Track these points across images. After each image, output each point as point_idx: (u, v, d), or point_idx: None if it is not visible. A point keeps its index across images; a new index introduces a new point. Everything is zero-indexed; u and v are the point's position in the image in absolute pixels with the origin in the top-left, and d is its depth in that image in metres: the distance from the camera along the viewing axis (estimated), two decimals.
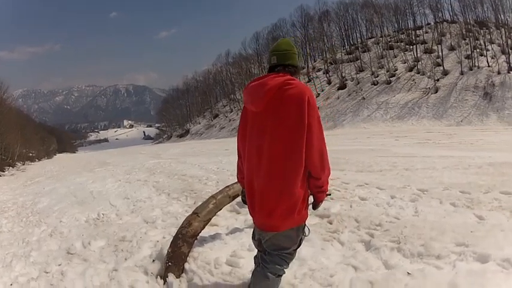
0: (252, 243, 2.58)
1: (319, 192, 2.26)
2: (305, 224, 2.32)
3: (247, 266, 3.11)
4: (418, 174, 6.84)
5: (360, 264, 3.06)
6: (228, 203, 3.96)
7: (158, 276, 3.23)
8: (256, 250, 2.56)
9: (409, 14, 56.07)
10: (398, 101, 41.42)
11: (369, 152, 12.06)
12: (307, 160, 2.11)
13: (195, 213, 3.53)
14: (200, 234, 3.77)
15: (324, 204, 4.84)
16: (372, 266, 3.03)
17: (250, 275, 2.53)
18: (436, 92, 39.21)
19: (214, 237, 3.89)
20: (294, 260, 2.49)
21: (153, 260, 3.47)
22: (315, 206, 2.33)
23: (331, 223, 4.26)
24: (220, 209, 3.89)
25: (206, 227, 4.20)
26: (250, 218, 4.47)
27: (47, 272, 3.74)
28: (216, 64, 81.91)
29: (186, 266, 3.23)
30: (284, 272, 2.40)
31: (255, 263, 2.50)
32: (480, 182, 5.68)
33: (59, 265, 3.91)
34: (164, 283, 3.12)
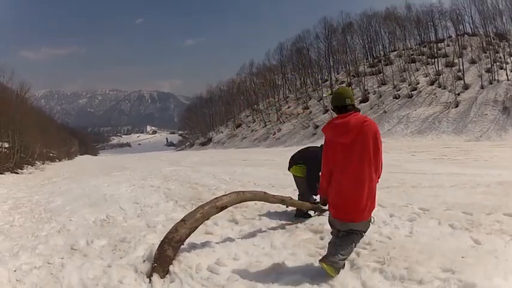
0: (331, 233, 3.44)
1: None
2: (371, 216, 3.34)
3: (225, 273, 3.25)
4: (423, 193, 6.76)
5: (336, 282, 3.06)
6: (215, 213, 4.05)
7: (145, 275, 3.44)
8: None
9: (430, 26, 55.40)
10: (419, 115, 40.80)
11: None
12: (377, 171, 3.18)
13: (183, 220, 3.69)
14: (193, 241, 4.00)
15: (319, 220, 5.04)
16: (348, 285, 3.02)
17: (226, 281, 3.15)
18: (457, 107, 38.43)
19: (205, 244, 4.05)
20: (271, 274, 3.28)
21: (144, 261, 3.69)
22: None
23: (322, 239, 4.31)
24: (208, 219, 4.00)
25: (201, 234, 4.39)
26: (245, 228, 4.88)
27: (50, 263, 4.05)
28: (240, 74, 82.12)
29: (171, 268, 3.45)
30: (357, 243, 3.37)
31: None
32: (485, 203, 5.51)
33: (62, 258, 4.20)
34: (149, 281, 3.34)
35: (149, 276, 3.40)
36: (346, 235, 3.23)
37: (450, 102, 39.68)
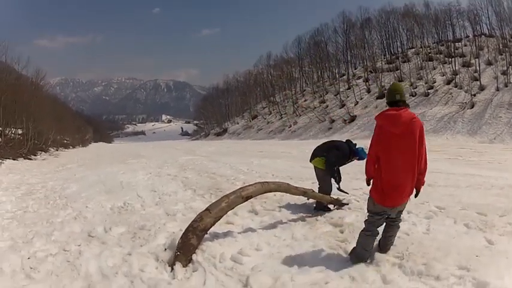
0: (372, 220, 3.56)
1: (422, 182, 3.52)
2: None
3: (249, 263, 3.29)
4: (439, 191, 6.74)
5: (358, 275, 3.13)
6: (240, 203, 4.08)
7: (167, 264, 3.47)
8: None
9: (448, 25, 54.25)
10: (435, 114, 40.11)
11: None
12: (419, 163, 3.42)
13: (208, 209, 3.73)
14: (215, 231, 4.03)
15: (339, 213, 5.13)
16: (369, 278, 3.09)
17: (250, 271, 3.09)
18: (472, 108, 37.64)
19: (227, 234, 4.10)
20: (294, 265, 3.41)
21: (165, 249, 3.73)
22: (417, 194, 3.57)
23: (342, 232, 4.37)
24: (232, 208, 4.03)
25: (222, 224, 4.40)
26: (266, 219, 4.93)
27: (66, 250, 4.03)
28: (257, 65, 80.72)
29: (194, 257, 3.48)
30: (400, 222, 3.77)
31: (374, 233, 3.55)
32: (498, 204, 5.54)
33: (78, 245, 4.19)
34: (171, 270, 3.36)
35: (171, 265, 3.41)
36: (393, 220, 3.62)
37: (466, 102, 38.93)
